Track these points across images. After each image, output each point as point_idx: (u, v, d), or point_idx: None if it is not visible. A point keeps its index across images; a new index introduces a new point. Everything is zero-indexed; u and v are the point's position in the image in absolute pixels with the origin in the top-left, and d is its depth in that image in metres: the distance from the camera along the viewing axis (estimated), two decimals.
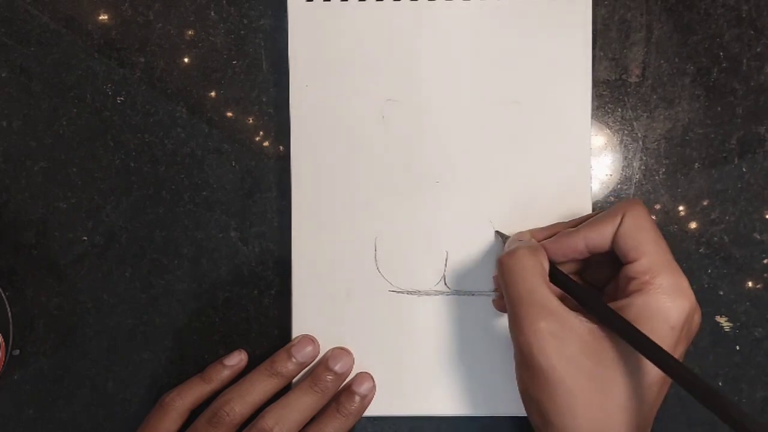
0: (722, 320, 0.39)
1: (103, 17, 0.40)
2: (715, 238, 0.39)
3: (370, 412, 0.37)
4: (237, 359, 0.38)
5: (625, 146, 0.39)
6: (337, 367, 0.37)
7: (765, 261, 0.39)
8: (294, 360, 0.37)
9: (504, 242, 0.36)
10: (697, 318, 0.31)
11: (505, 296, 0.32)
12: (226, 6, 0.40)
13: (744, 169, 0.39)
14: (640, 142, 0.39)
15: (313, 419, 0.36)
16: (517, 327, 0.30)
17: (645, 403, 0.30)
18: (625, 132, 0.39)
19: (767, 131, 0.39)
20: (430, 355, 0.38)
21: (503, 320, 0.38)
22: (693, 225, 0.39)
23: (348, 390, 0.37)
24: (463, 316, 0.38)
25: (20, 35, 0.40)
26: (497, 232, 0.37)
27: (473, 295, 0.38)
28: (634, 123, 0.39)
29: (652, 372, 0.29)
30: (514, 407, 0.37)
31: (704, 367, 0.39)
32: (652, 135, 0.39)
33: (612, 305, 0.30)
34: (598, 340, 0.30)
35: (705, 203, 0.39)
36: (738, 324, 0.39)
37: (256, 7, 0.40)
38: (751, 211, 0.39)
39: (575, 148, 0.38)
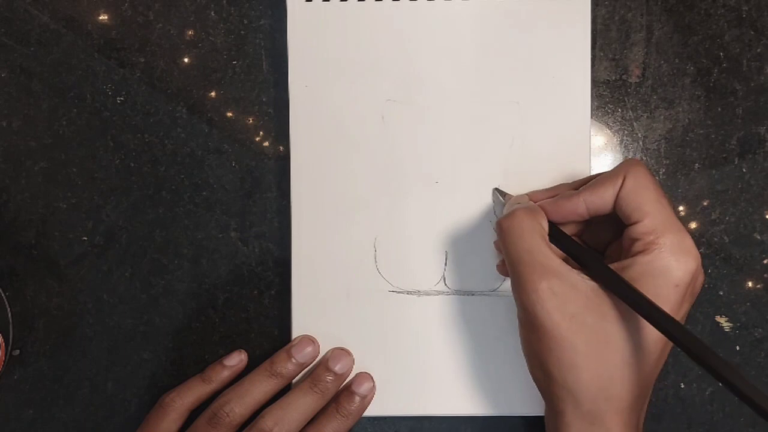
0: (722, 320, 0.39)
1: (103, 17, 0.40)
2: (715, 238, 0.39)
3: (370, 412, 0.37)
4: (237, 359, 0.38)
5: (625, 146, 0.39)
6: (337, 368, 0.37)
7: (765, 261, 0.39)
8: (294, 360, 0.37)
9: (503, 200, 0.36)
10: (701, 277, 0.31)
11: (506, 258, 0.32)
12: (226, 6, 0.40)
13: (744, 170, 0.39)
14: (640, 143, 0.39)
15: (312, 419, 0.36)
16: (519, 287, 0.30)
17: (647, 360, 0.30)
18: (625, 132, 0.39)
19: (767, 131, 0.39)
20: (429, 355, 0.38)
21: (503, 320, 0.38)
22: (693, 225, 0.39)
23: (348, 390, 0.37)
24: (463, 316, 0.38)
25: (20, 35, 0.40)
26: (496, 189, 0.37)
27: (473, 295, 0.38)
28: (634, 123, 0.39)
29: (654, 330, 0.30)
30: (515, 407, 0.38)
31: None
32: (652, 135, 0.39)
33: (615, 265, 0.31)
34: (600, 297, 0.30)
35: (705, 203, 0.39)
36: (738, 324, 0.39)
37: (256, 7, 0.40)
38: (751, 211, 0.39)
39: (575, 148, 0.38)
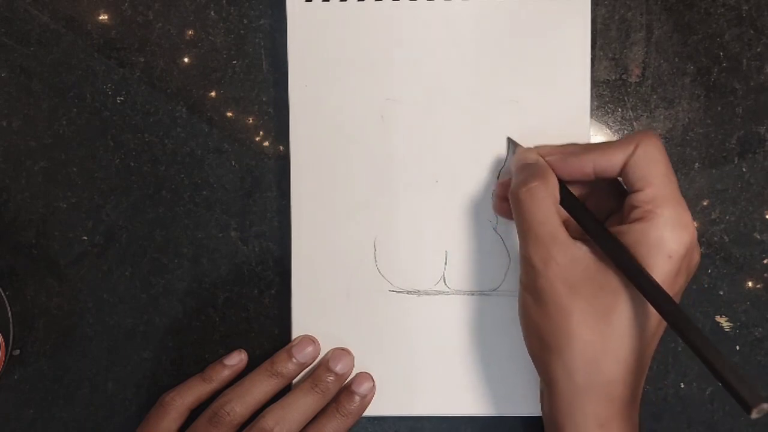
0: (722, 320, 0.39)
1: (103, 17, 0.40)
2: (715, 238, 0.39)
3: (370, 412, 0.37)
4: (237, 359, 0.38)
5: None
6: (338, 368, 0.37)
7: (765, 261, 0.39)
8: (294, 360, 0.37)
9: (513, 150, 0.36)
10: (696, 255, 0.32)
11: (517, 224, 0.32)
12: (226, 6, 0.40)
13: (744, 169, 0.39)
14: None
15: (313, 419, 0.36)
16: (525, 254, 0.32)
17: (644, 335, 0.30)
18: (625, 132, 0.39)
19: (767, 131, 0.39)
20: (430, 355, 0.38)
21: (503, 320, 0.38)
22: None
23: (348, 390, 0.37)
24: (463, 316, 0.38)
25: (20, 35, 0.40)
26: (509, 139, 0.37)
27: (473, 294, 0.38)
28: (634, 123, 0.39)
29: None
30: (515, 407, 0.38)
31: (704, 366, 0.39)
32: None
33: (612, 229, 0.31)
34: (602, 269, 0.30)
35: (705, 203, 0.39)
36: (738, 324, 0.39)
37: (256, 7, 0.40)
38: (751, 211, 0.39)
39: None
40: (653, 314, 0.30)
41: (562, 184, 0.33)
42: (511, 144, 0.37)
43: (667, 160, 0.32)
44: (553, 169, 0.33)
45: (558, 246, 0.31)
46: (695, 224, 0.38)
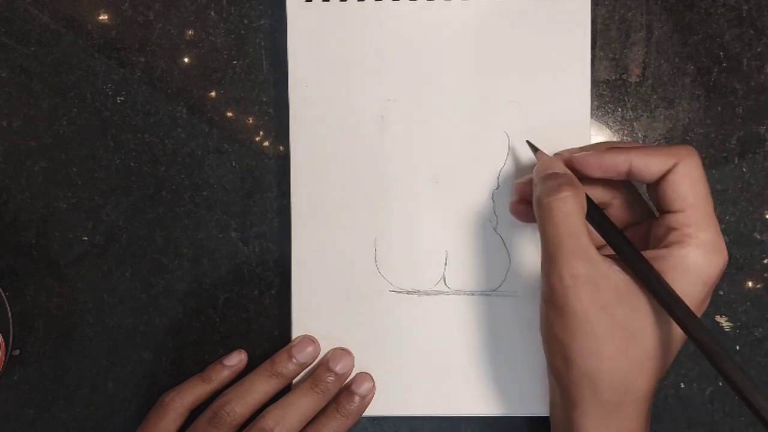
0: (722, 320, 0.39)
1: (103, 17, 0.40)
2: None
3: (370, 412, 0.37)
4: (237, 359, 0.38)
5: None
6: (338, 368, 0.37)
7: (765, 261, 0.39)
8: (294, 360, 0.37)
9: (535, 155, 0.35)
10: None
11: (543, 236, 0.31)
12: (226, 6, 0.40)
13: (744, 169, 0.39)
14: (641, 142, 0.39)
15: (313, 419, 0.36)
16: (553, 269, 0.30)
17: (668, 355, 0.30)
18: (625, 132, 0.39)
19: (767, 131, 0.39)
20: (430, 355, 0.38)
21: (503, 320, 0.38)
22: None
23: (348, 390, 0.37)
24: (462, 316, 0.38)
25: (20, 35, 0.40)
26: (528, 142, 0.36)
27: (473, 295, 0.38)
28: (634, 123, 0.39)
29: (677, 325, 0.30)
30: (515, 407, 0.38)
31: (705, 367, 0.39)
32: (652, 135, 0.39)
33: (647, 253, 0.30)
34: (632, 290, 0.30)
35: None
36: (738, 324, 0.39)
37: (256, 7, 0.40)
38: (751, 211, 0.39)
39: (575, 147, 0.37)
40: (677, 335, 0.30)
41: (592, 203, 0.32)
42: (531, 148, 0.36)
43: (705, 179, 0.31)
44: (585, 165, 0.32)
45: (589, 263, 0.30)
46: None
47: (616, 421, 0.30)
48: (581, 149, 0.33)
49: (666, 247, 0.30)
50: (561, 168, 0.32)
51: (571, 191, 0.31)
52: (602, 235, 0.31)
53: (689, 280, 0.29)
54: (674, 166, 0.30)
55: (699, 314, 0.30)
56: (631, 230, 0.34)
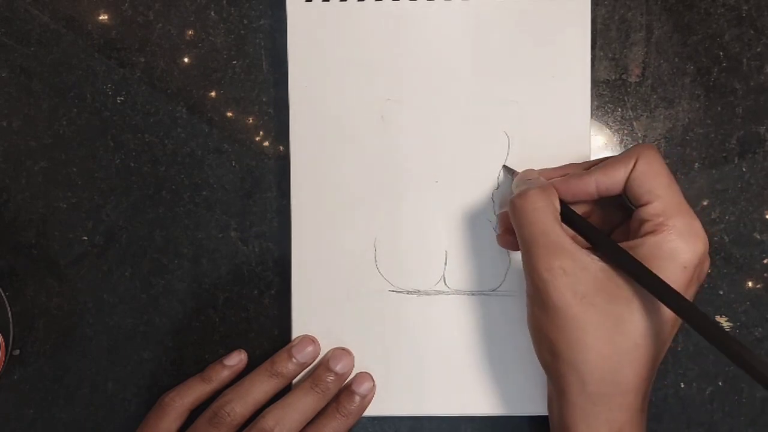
0: (722, 320, 0.39)
1: (103, 17, 0.40)
2: (715, 238, 0.39)
3: (370, 412, 0.37)
4: (237, 359, 0.38)
5: (625, 146, 0.39)
6: (338, 368, 0.37)
7: (765, 261, 0.39)
8: (294, 360, 0.37)
9: (512, 177, 0.36)
10: (707, 262, 0.32)
11: (519, 237, 0.32)
12: (226, 6, 0.40)
13: (744, 169, 0.39)
14: (640, 142, 0.39)
15: (313, 419, 0.36)
16: (531, 266, 0.31)
17: (655, 344, 0.30)
18: (625, 132, 0.39)
19: (767, 131, 0.39)
20: (429, 355, 0.38)
21: (503, 320, 0.38)
22: None
23: (348, 390, 0.37)
24: (462, 316, 0.38)
25: (20, 35, 0.40)
26: (505, 166, 0.37)
27: (473, 295, 0.38)
28: (634, 123, 0.39)
29: (665, 311, 0.30)
30: (515, 406, 0.38)
31: (704, 367, 0.39)
32: (652, 135, 0.39)
33: (623, 245, 0.31)
34: (612, 278, 0.30)
35: (705, 203, 0.39)
36: (738, 324, 0.39)
37: (256, 7, 0.40)
38: (751, 211, 0.39)
39: (575, 148, 0.38)
40: (665, 321, 0.30)
41: (562, 202, 0.32)
42: (508, 172, 0.37)
43: (667, 169, 0.31)
44: (558, 193, 0.33)
45: (565, 255, 0.30)
46: None
47: (605, 413, 0.30)
48: (556, 171, 0.34)
49: (640, 237, 0.31)
50: (533, 174, 0.34)
51: (540, 190, 0.32)
52: (578, 232, 0.32)
53: (667, 266, 0.29)
54: (635, 164, 0.31)
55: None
56: (617, 231, 0.34)
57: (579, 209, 0.34)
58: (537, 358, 0.33)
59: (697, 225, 0.30)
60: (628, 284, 0.30)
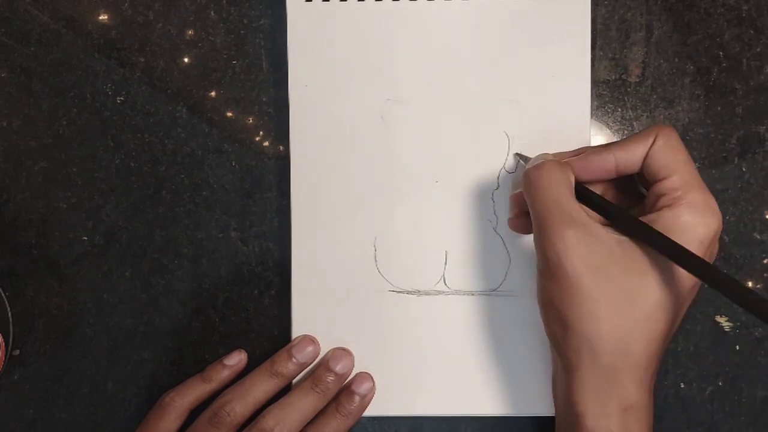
0: (722, 320, 0.39)
1: (103, 17, 0.40)
2: None
3: (370, 412, 0.37)
4: (237, 359, 0.38)
5: None
6: (338, 368, 0.37)
7: (765, 261, 0.39)
8: (294, 360, 0.37)
9: (524, 164, 0.36)
10: (716, 245, 0.32)
11: (531, 208, 0.32)
12: (226, 6, 0.40)
13: (744, 169, 0.39)
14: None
15: (313, 419, 0.36)
16: (544, 236, 0.30)
17: (666, 318, 0.30)
18: (625, 132, 0.39)
19: (767, 131, 0.39)
20: (429, 355, 0.38)
21: (503, 320, 0.38)
22: None
23: (348, 390, 0.37)
24: (462, 316, 0.38)
25: (20, 35, 0.40)
26: (517, 154, 0.37)
27: (473, 294, 0.38)
28: (634, 123, 0.39)
29: (681, 282, 0.30)
30: (515, 406, 0.38)
31: (704, 366, 0.39)
32: None
33: (640, 219, 0.31)
34: (626, 250, 0.30)
35: None
36: (738, 324, 0.39)
37: (256, 7, 0.40)
38: (751, 211, 0.39)
39: (575, 147, 0.37)
40: (679, 294, 0.30)
41: (576, 181, 0.32)
42: (521, 158, 0.37)
43: (685, 148, 0.31)
44: (573, 171, 0.32)
45: (579, 225, 0.30)
46: None
47: (616, 389, 0.29)
48: (575, 151, 0.34)
49: (657, 211, 0.31)
50: (547, 156, 0.34)
51: (555, 162, 0.32)
52: (593, 208, 0.32)
53: (684, 239, 0.29)
54: (654, 141, 0.31)
55: None
56: (635, 210, 0.34)
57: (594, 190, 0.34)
58: (545, 362, 0.32)
59: (713, 202, 0.30)
60: (642, 257, 0.30)
